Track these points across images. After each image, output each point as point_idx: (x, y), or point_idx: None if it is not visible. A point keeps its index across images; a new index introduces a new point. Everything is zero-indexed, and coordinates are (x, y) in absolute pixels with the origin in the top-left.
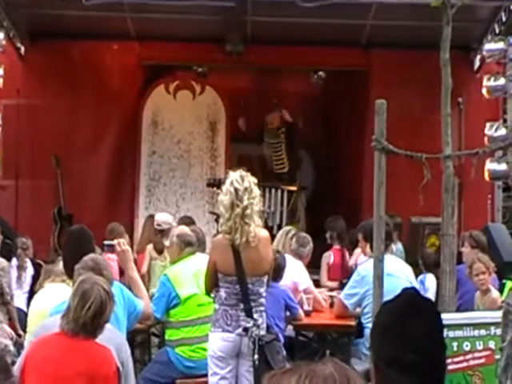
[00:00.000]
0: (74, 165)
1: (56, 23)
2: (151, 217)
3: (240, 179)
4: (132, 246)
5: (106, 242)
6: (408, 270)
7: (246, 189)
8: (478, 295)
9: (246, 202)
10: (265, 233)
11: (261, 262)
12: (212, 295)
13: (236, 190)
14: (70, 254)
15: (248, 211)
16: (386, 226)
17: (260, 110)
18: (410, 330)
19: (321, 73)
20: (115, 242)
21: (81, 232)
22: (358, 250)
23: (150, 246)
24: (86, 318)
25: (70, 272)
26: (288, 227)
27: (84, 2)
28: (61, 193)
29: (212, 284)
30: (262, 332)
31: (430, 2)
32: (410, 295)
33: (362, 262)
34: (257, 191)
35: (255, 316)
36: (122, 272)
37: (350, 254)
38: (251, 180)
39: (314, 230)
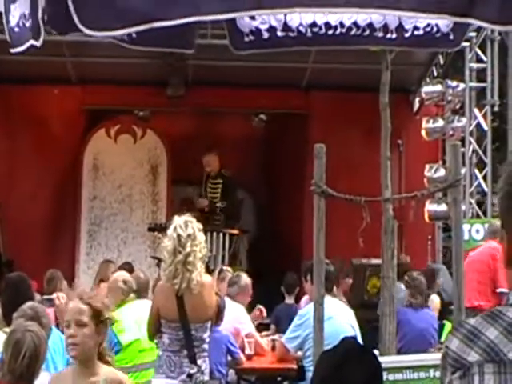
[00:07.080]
0: (14, 210)
1: None
2: (106, 262)
3: (184, 225)
4: None
5: (45, 297)
6: (349, 313)
7: (189, 235)
8: None
9: (188, 249)
10: (208, 279)
11: (204, 308)
12: (155, 341)
13: (179, 236)
14: (8, 302)
15: (190, 258)
16: (330, 269)
17: (202, 153)
18: (348, 381)
19: (262, 116)
20: (54, 295)
21: (19, 279)
22: None
23: None
24: (22, 368)
25: (8, 320)
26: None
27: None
28: (0, 238)
29: (155, 330)
30: (206, 378)
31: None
32: (349, 345)
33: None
34: (201, 238)
35: (199, 362)
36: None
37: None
38: (195, 226)
39: (256, 273)
